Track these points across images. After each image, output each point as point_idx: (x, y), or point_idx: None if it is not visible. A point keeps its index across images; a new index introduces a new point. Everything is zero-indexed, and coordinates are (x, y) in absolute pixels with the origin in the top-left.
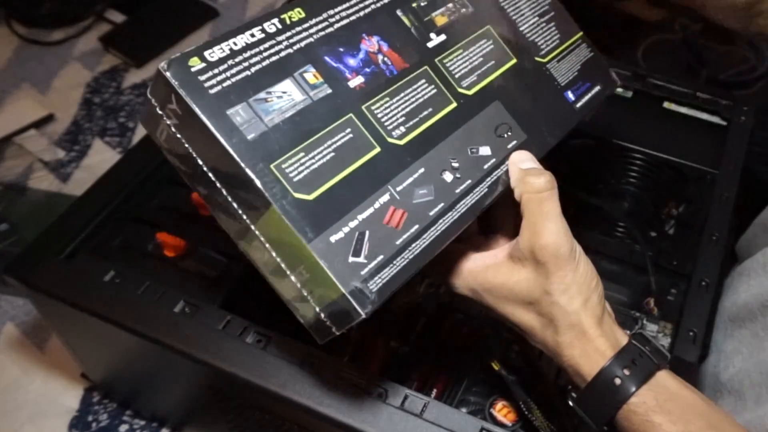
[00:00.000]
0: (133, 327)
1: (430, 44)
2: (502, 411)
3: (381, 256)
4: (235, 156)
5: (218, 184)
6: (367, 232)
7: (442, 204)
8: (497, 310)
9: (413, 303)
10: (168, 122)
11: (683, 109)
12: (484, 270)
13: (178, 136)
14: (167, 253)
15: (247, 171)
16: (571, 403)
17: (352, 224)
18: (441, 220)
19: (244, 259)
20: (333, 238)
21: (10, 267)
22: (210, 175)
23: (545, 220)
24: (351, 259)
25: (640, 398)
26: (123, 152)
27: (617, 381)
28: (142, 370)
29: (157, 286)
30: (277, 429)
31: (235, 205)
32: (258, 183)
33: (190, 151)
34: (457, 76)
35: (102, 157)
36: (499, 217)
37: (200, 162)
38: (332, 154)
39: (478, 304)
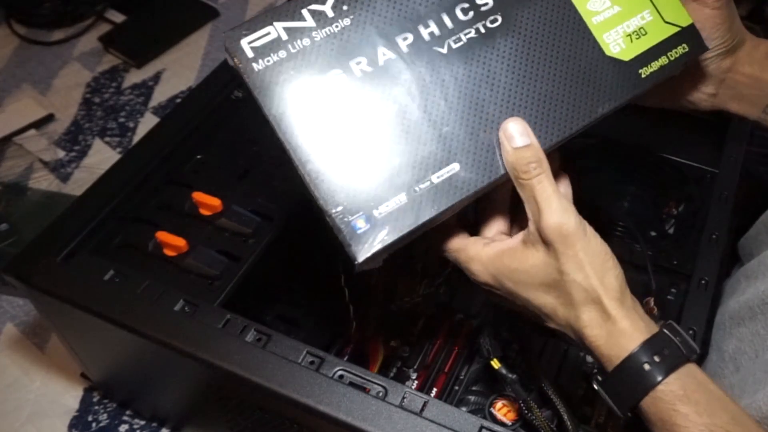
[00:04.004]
0: (132, 326)
1: None
2: (501, 410)
3: None
4: None
5: None
6: None
7: None
8: (519, 295)
9: (413, 303)
10: None
11: None
12: (501, 255)
13: None
14: (167, 252)
15: None
16: (596, 386)
17: None
18: None
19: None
20: None
21: (9, 266)
22: None
23: (543, 201)
24: None
25: (668, 386)
26: (123, 152)
27: (646, 367)
28: (142, 370)
29: (157, 285)
30: (276, 428)
31: None
32: None
33: None
34: None
35: (102, 157)
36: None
37: None
38: None
39: (500, 291)
